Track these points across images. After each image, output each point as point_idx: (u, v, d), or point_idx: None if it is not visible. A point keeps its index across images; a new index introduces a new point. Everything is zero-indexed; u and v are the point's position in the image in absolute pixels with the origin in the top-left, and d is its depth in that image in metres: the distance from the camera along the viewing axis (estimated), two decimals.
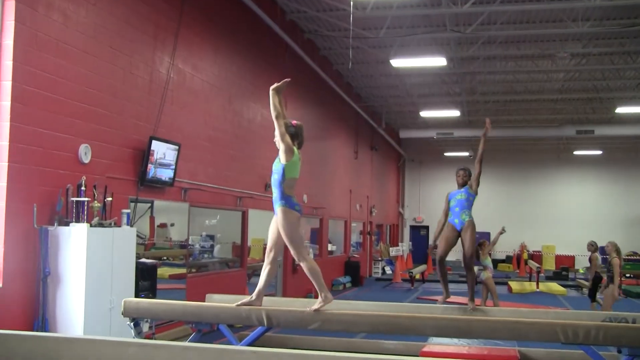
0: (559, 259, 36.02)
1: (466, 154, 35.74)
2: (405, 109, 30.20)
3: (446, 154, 37.42)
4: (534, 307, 15.80)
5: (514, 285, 24.43)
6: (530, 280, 26.32)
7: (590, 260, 16.45)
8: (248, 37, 15.66)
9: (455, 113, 28.54)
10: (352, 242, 27.32)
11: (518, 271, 33.09)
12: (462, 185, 8.82)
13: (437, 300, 8.52)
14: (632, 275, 29.02)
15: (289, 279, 18.16)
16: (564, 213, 37.68)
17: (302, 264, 6.73)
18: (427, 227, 39.50)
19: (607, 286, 14.23)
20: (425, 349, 9.28)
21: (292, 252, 6.71)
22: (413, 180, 40.12)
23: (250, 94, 15.84)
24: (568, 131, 31.35)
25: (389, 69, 22.09)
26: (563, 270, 30.89)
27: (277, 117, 6.49)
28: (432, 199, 38.50)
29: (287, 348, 5.55)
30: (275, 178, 6.63)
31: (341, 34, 18.79)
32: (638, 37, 19.64)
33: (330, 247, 23.84)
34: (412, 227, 40.31)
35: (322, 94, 21.99)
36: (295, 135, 6.67)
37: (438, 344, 10.56)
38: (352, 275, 24.96)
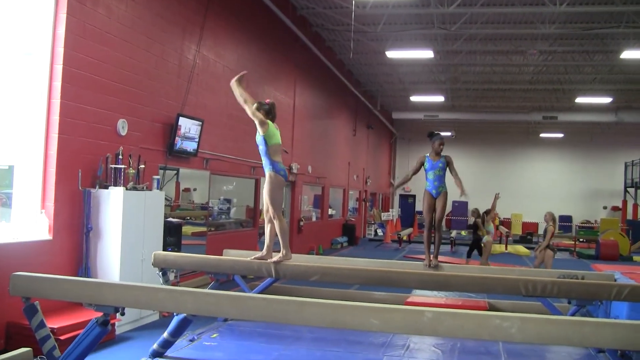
0: (525, 225, 36.25)
1: (449, 134, 35.75)
2: (398, 93, 30.18)
3: None
4: (502, 265, 15.89)
5: None
6: (500, 243, 26.39)
7: (475, 224, 16.72)
8: (264, 29, 15.62)
9: (440, 98, 28.54)
10: (349, 207, 27.37)
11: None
12: (438, 154, 8.73)
13: (422, 259, 8.58)
14: (585, 240, 29.11)
15: (294, 237, 18.25)
16: (530, 186, 37.90)
17: (275, 222, 6.93)
18: (414, 196, 39.60)
19: (543, 249, 14.39)
20: (409, 300, 9.40)
21: (270, 209, 6.90)
22: (403, 155, 40.07)
23: (265, 78, 15.84)
24: (535, 116, 31.49)
25: (385, 59, 22.03)
26: (528, 234, 31.08)
27: (244, 103, 6.79)
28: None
29: (291, 296, 5.66)
30: (260, 149, 6.94)
31: (344, 28, 18.76)
32: (595, 39, 19.85)
33: (330, 211, 23.90)
34: (401, 196, 40.34)
35: (327, 80, 21.97)
36: (269, 111, 6.99)
37: (420, 295, 10.66)
38: (348, 235, 25.06)
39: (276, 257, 6.97)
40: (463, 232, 31.26)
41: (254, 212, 15.62)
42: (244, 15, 14.43)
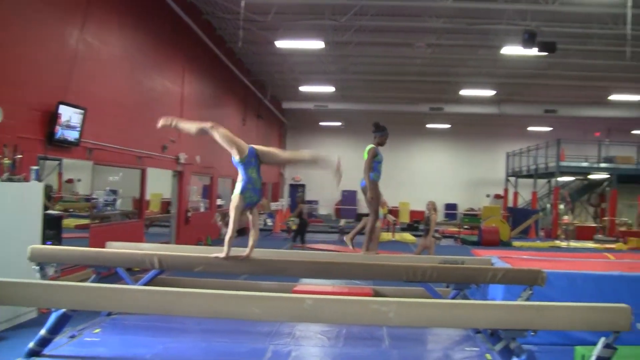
0: (412, 213, 36.99)
1: (339, 124, 36.22)
2: (288, 83, 30.19)
3: (321, 123, 37.77)
4: (389, 253, 16.18)
5: None
6: (388, 231, 26.82)
7: (300, 211, 17.18)
8: (152, 16, 15.27)
9: (330, 89, 28.72)
10: None
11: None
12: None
13: (311, 248, 8.65)
14: (469, 227, 30.11)
15: (182, 228, 18.00)
16: (418, 175, 38.77)
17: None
18: (304, 186, 39.86)
19: (425, 237, 14.86)
20: (296, 288, 9.41)
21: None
22: (293, 145, 40.12)
23: (152, 66, 15.51)
24: (423, 108, 32.15)
25: (275, 49, 21.94)
26: (415, 222, 31.76)
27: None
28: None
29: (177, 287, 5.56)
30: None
31: (234, 17, 18.55)
32: (479, 33, 20.40)
33: (219, 201, 23.72)
34: (291, 185, 40.47)
35: (216, 69, 21.72)
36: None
37: (307, 284, 10.70)
38: None
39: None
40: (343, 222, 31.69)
41: (141, 204, 15.29)
42: (129, 1, 14.04)
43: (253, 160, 7.06)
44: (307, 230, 18.09)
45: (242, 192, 6.78)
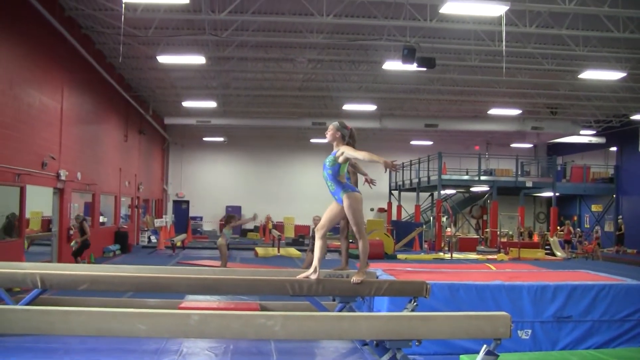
0: (297, 228, 37.16)
1: (221, 139, 36.14)
2: (170, 98, 29.87)
3: (204, 138, 37.51)
4: (274, 267, 16.28)
5: (260, 250, 24.98)
6: (273, 246, 26.94)
7: (81, 227, 17.30)
8: (28, 30, 14.86)
9: (212, 104, 28.54)
10: (121, 214, 26.69)
11: (264, 239, 33.72)
12: None
13: (195, 264, 8.60)
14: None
15: (64, 247, 17.51)
16: (301, 190, 38.91)
17: (359, 242, 6.65)
18: (187, 202, 39.54)
19: (311, 251, 15.00)
20: (183, 305, 9.37)
21: (354, 230, 6.61)
22: (176, 161, 39.71)
23: (30, 82, 15.10)
24: (306, 122, 32.33)
25: (156, 64, 21.71)
26: (300, 237, 31.97)
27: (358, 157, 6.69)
28: (192, 178, 38.84)
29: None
30: (329, 173, 6.74)
31: (114, 31, 18.24)
32: (360, 49, 21.00)
33: (102, 218, 23.19)
34: (175, 202, 39.99)
35: (97, 84, 21.29)
36: (350, 136, 6.93)
37: (194, 300, 10.65)
38: (121, 243, 24.35)
39: (356, 276, 6.58)
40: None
41: (20, 222, 14.77)
42: (6, 14, 13.65)
43: None
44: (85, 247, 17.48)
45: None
